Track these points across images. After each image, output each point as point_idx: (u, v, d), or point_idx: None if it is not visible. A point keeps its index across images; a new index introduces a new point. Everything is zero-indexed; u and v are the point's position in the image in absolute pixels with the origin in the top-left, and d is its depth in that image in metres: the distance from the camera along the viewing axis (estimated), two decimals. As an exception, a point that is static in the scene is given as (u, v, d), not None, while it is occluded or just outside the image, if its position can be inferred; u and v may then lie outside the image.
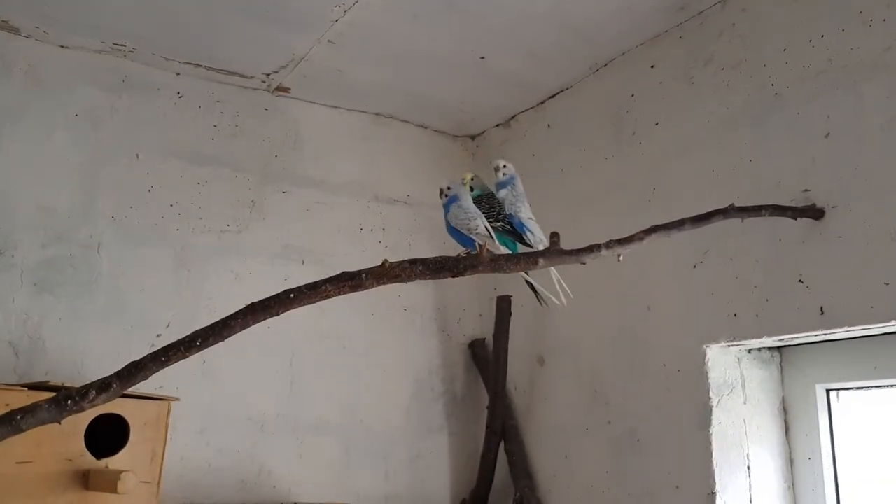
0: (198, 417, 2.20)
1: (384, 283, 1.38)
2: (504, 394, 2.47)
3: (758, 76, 1.88)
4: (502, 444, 2.45)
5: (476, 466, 2.50)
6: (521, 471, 2.37)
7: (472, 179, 1.86)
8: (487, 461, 2.45)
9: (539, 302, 1.78)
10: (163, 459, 1.77)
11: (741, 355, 1.92)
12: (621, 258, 1.42)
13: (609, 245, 1.41)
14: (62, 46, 2.25)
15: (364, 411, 2.49)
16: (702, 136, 1.99)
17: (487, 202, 1.77)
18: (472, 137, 2.94)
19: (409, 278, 1.40)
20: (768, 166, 1.81)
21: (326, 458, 2.39)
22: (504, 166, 1.85)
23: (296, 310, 1.33)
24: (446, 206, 1.73)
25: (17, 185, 2.12)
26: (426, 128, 2.85)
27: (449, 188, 1.75)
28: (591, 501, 2.16)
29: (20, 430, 1.21)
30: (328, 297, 1.36)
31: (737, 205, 1.56)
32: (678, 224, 1.47)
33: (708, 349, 1.89)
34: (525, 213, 1.73)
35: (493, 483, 2.44)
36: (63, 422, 1.26)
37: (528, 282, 1.73)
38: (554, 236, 1.43)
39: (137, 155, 2.30)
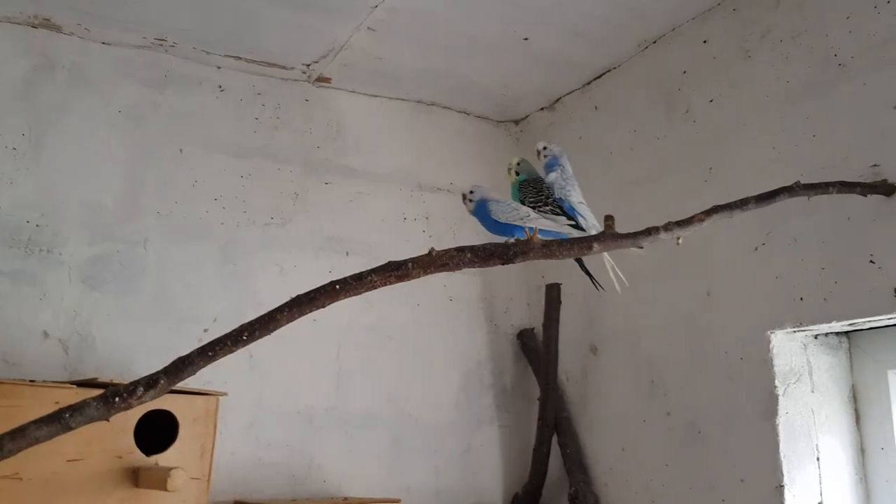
0: (246, 412, 2.19)
1: (431, 272, 1.34)
2: (556, 385, 2.41)
3: (819, 47, 1.79)
4: (555, 437, 2.39)
5: (528, 460, 2.44)
6: (576, 464, 2.31)
7: (518, 164, 1.79)
8: (540, 454, 2.39)
9: (595, 287, 1.71)
10: (212, 455, 1.75)
11: (807, 341, 1.83)
12: (680, 241, 1.36)
13: (668, 227, 1.34)
14: (104, 43, 2.25)
15: (412, 404, 2.45)
16: (761, 112, 1.90)
17: (534, 186, 1.70)
18: (516, 122, 2.87)
19: (457, 266, 1.35)
20: (834, 141, 1.72)
21: (376, 452, 2.36)
22: (545, 148, 1.76)
23: (341, 302, 1.29)
24: (479, 210, 1.66)
25: (64, 183, 2.12)
26: (468, 114, 2.80)
27: (472, 192, 1.68)
28: (651, 496, 2.09)
29: (69, 429, 1.20)
30: (374, 287, 1.31)
31: (802, 182, 1.48)
32: (741, 204, 1.40)
33: (772, 335, 1.80)
34: (576, 197, 1.65)
35: (546, 477, 2.38)
36: (112, 419, 1.25)
37: (582, 267, 1.66)
38: (608, 220, 1.37)
39: (181, 150, 2.29)
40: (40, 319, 2.02)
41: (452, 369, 2.55)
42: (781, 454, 1.74)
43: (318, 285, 1.23)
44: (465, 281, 2.62)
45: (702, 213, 1.36)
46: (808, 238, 1.74)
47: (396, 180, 2.61)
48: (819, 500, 1.76)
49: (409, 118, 2.69)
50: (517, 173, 1.77)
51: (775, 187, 1.46)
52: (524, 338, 2.66)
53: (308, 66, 2.41)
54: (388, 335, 2.46)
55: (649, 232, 1.33)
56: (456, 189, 2.70)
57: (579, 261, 1.66)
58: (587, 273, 1.67)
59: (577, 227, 1.61)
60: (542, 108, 2.74)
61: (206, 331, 2.17)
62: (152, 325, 2.14)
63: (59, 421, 1.19)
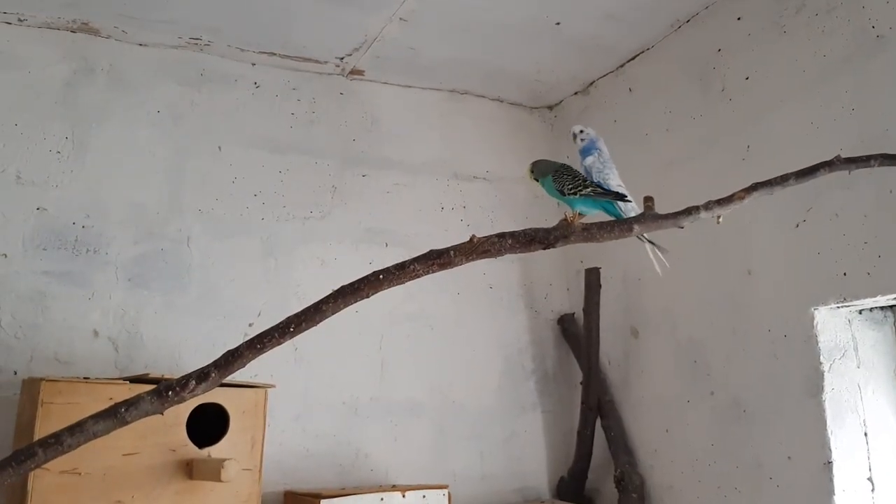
0: (293, 404, 2.22)
1: (473, 259, 1.34)
2: (598, 368, 2.41)
3: (856, 19, 1.76)
4: (599, 421, 2.39)
5: (573, 444, 2.45)
6: (621, 447, 2.31)
7: (532, 171, 1.74)
8: (584, 438, 2.40)
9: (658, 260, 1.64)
10: (262, 446, 1.79)
11: (852, 316, 1.81)
12: (720, 220, 1.35)
13: (708, 206, 1.33)
14: (140, 44, 2.29)
15: (455, 392, 2.47)
16: (798, 87, 1.88)
17: (567, 173, 1.66)
18: (550, 108, 2.87)
19: (499, 253, 1.35)
20: (873, 114, 1.69)
21: (421, 440, 2.38)
22: (581, 132, 1.74)
23: (382, 293, 1.30)
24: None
25: (108, 184, 2.17)
26: (502, 101, 2.80)
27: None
28: (697, 475, 2.08)
29: (125, 423, 1.23)
30: (417, 276, 1.33)
31: (842, 157, 1.46)
32: (781, 180, 1.38)
33: (816, 312, 1.79)
34: (614, 181, 1.64)
35: (591, 460, 2.39)
36: (165, 413, 1.28)
37: (649, 241, 1.59)
38: (648, 201, 1.36)
39: (220, 147, 2.33)
40: (90, 319, 2.08)
41: (494, 356, 2.57)
42: (829, 430, 1.73)
43: (359, 277, 1.25)
44: (504, 268, 2.63)
45: (742, 190, 1.35)
46: (850, 212, 1.72)
47: (433, 170, 2.62)
48: (868, 476, 1.74)
49: (443, 108, 2.70)
50: (536, 178, 1.72)
51: (814, 163, 1.44)
52: (564, 323, 2.66)
53: (341, 59, 2.42)
54: (430, 324, 2.48)
55: (689, 211, 1.32)
56: (492, 177, 2.70)
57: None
58: (652, 243, 1.60)
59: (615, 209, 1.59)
60: (575, 93, 2.73)
61: (251, 325, 2.20)
62: (198, 321, 2.18)
63: (116, 416, 1.23)
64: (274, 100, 2.44)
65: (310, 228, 2.39)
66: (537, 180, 1.71)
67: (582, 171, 1.67)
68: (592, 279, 2.43)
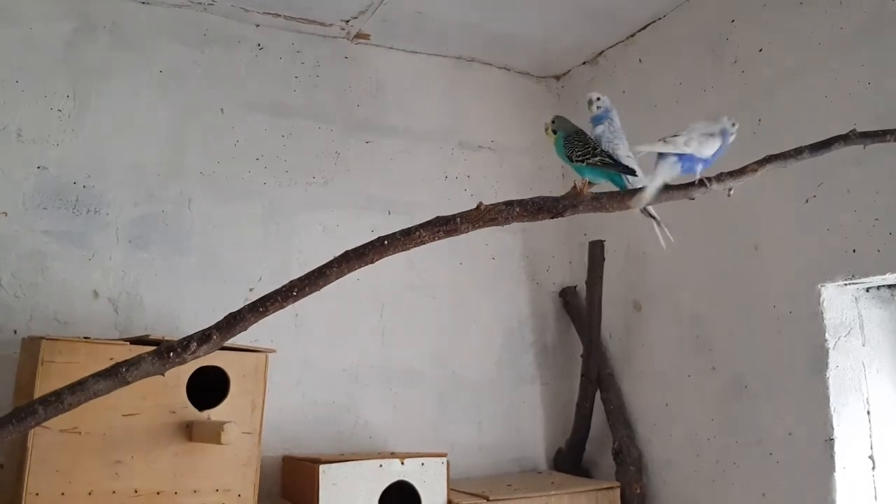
0: (293, 370, 2.22)
1: (479, 227, 1.33)
2: (599, 342, 2.40)
3: (874, -9, 1.73)
4: (598, 394, 2.39)
5: (570, 416, 2.45)
6: (619, 420, 2.31)
7: (554, 122, 1.71)
8: (583, 411, 2.40)
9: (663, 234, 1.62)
10: (262, 410, 1.78)
11: (859, 294, 1.80)
12: (732, 192, 1.33)
13: (720, 178, 1.32)
14: (143, 2, 2.25)
15: (455, 362, 2.47)
16: (812, 60, 1.85)
17: (579, 139, 1.63)
18: (557, 78, 2.83)
19: (506, 221, 1.34)
20: (890, 89, 1.66)
21: (420, 409, 2.38)
22: (598, 99, 1.71)
23: (385, 261, 1.29)
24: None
25: (109, 144, 2.14)
26: (509, 70, 2.76)
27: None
28: (696, 450, 2.08)
29: (126, 383, 1.22)
30: (422, 242, 1.31)
31: (857, 131, 1.43)
32: (795, 153, 1.36)
33: (823, 289, 1.77)
34: (623, 151, 1.61)
35: (589, 432, 2.39)
36: (166, 375, 1.27)
37: (652, 216, 1.58)
38: (659, 171, 1.34)
39: (222, 109, 2.30)
40: (90, 279, 2.06)
41: (495, 327, 2.56)
42: (831, 408, 1.73)
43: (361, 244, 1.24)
44: (507, 240, 2.62)
45: (755, 162, 1.33)
46: (862, 189, 1.70)
47: (437, 138, 2.59)
48: (869, 454, 1.74)
49: (449, 75, 2.66)
50: (554, 131, 1.70)
51: (827, 138, 1.42)
52: (566, 295, 2.65)
53: (347, 22, 2.38)
54: (431, 294, 2.47)
55: (701, 183, 1.31)
56: (497, 147, 2.68)
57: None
58: (654, 218, 1.59)
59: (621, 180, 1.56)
60: (584, 63, 2.69)
61: (251, 290, 2.19)
62: (199, 285, 2.17)
63: (117, 375, 1.22)
64: (277, 62, 2.40)
65: (312, 194, 2.37)
66: (555, 132, 1.67)
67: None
68: (596, 252, 2.42)
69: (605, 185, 1.50)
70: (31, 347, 1.62)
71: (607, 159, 1.49)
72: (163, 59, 2.25)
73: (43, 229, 2.03)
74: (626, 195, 1.36)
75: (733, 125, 1.39)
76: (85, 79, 2.15)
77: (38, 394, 1.47)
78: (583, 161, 1.54)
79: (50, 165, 2.07)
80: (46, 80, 2.10)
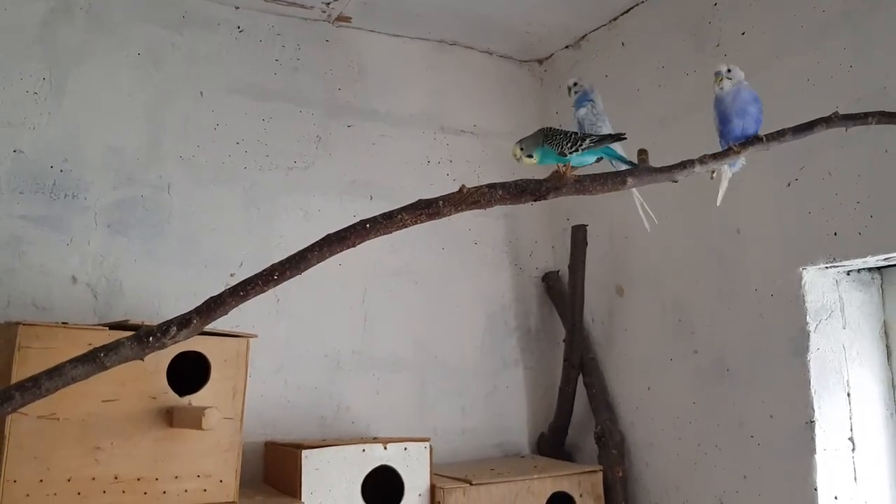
0: (275, 356, 2.20)
1: (462, 210, 1.31)
2: (581, 326, 2.40)
3: (856, -27, 1.72)
4: (581, 378, 2.40)
5: (554, 401, 2.46)
6: (602, 404, 2.32)
7: (521, 148, 1.62)
8: (566, 395, 2.40)
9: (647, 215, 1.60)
10: (244, 396, 1.76)
11: (840, 277, 1.81)
12: (714, 175, 1.33)
13: (703, 160, 1.31)
14: (120, -16, 2.21)
15: (438, 347, 2.46)
16: (795, 43, 1.85)
17: (559, 134, 1.55)
18: (540, 62, 2.82)
19: (489, 204, 1.32)
20: (871, 72, 1.67)
21: (403, 394, 2.38)
22: (575, 84, 1.69)
23: (366, 246, 1.27)
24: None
25: (86, 127, 2.11)
26: (491, 53, 2.74)
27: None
28: (677, 433, 2.10)
29: (104, 368, 1.20)
30: (404, 226, 1.30)
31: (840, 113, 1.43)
32: (778, 135, 1.36)
33: (804, 272, 1.78)
34: (607, 131, 1.61)
35: (572, 417, 2.40)
36: (145, 360, 1.25)
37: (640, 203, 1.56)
38: (642, 153, 1.34)
39: (201, 93, 2.27)
40: (68, 264, 2.03)
41: (477, 312, 2.56)
42: (812, 390, 1.74)
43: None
44: (489, 224, 2.61)
45: (738, 144, 1.33)
46: (844, 172, 1.71)
47: (419, 122, 2.57)
48: (849, 436, 1.76)
49: (431, 58, 2.64)
50: (529, 155, 1.61)
51: (809, 120, 1.42)
52: (549, 280, 2.65)
53: (328, 4, 2.36)
54: (414, 279, 2.46)
55: (684, 165, 1.30)
56: (480, 131, 2.67)
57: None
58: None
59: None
60: (566, 47, 2.68)
61: (232, 275, 2.17)
62: (179, 270, 2.15)
63: (95, 360, 1.20)
64: (258, 45, 2.37)
65: (293, 179, 2.35)
66: (530, 156, 1.60)
67: (574, 124, 1.63)
68: (579, 236, 2.42)
69: (596, 168, 1.47)
70: (8, 333, 1.59)
71: (594, 137, 1.47)
72: (141, 41, 2.22)
73: (20, 214, 2.00)
74: (610, 177, 1.33)
75: None
76: (61, 61, 2.11)
77: (14, 379, 1.45)
78: (577, 150, 1.50)
79: (26, 149, 2.03)
80: (22, 62, 2.06)
